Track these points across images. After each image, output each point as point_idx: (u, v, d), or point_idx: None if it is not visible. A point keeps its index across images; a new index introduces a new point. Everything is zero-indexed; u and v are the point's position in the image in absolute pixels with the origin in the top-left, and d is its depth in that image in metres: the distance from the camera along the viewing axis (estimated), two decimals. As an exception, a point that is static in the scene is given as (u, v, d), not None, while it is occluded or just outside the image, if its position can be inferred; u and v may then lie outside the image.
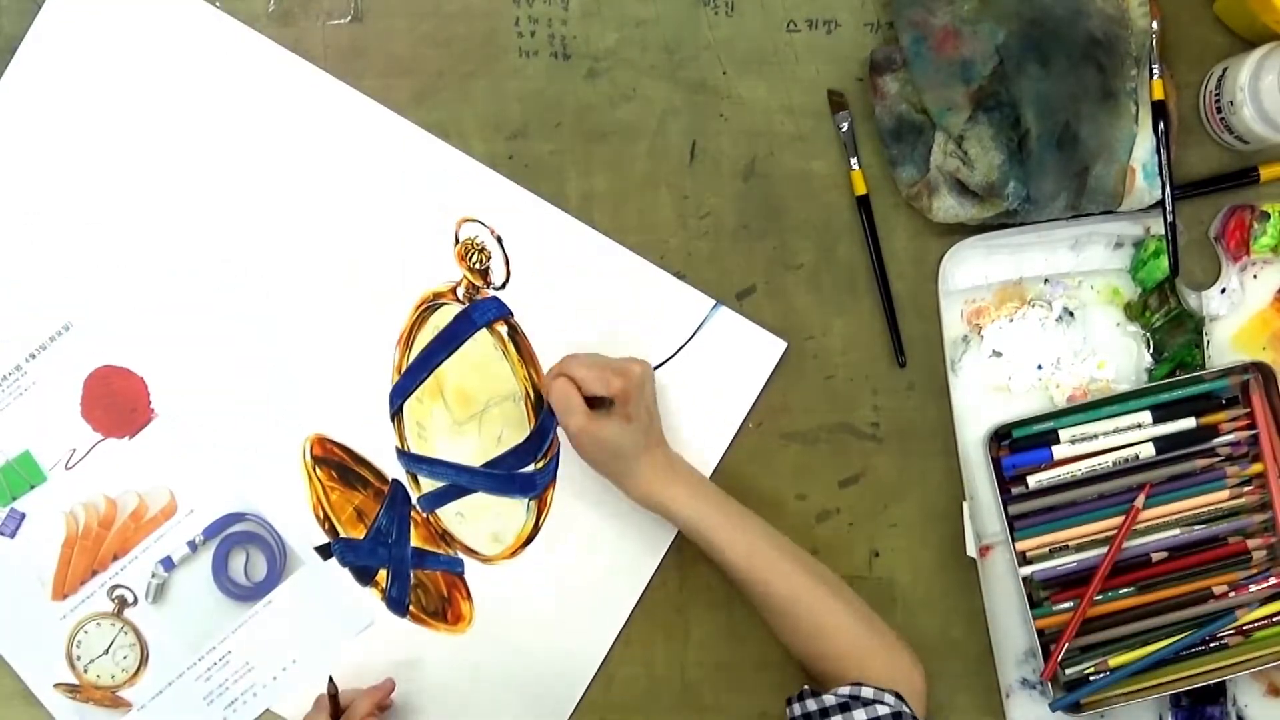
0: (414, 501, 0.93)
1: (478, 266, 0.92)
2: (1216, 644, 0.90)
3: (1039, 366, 0.93)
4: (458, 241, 0.92)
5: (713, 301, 0.93)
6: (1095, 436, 0.90)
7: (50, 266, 0.92)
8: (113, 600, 0.92)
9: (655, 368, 0.91)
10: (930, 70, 0.89)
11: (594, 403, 0.86)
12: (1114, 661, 0.90)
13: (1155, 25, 0.88)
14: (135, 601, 0.92)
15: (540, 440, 0.93)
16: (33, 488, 0.92)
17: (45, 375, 0.92)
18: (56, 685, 0.92)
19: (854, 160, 0.93)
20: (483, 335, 0.92)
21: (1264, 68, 0.86)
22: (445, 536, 0.93)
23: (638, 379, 0.86)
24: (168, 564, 0.92)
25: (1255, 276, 0.92)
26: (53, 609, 0.92)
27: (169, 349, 0.92)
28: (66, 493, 0.92)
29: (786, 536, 0.88)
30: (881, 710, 0.79)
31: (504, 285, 0.92)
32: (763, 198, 0.94)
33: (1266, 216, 0.92)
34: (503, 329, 0.93)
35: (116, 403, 0.92)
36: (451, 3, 0.93)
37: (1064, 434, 0.90)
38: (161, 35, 0.91)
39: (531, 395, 0.93)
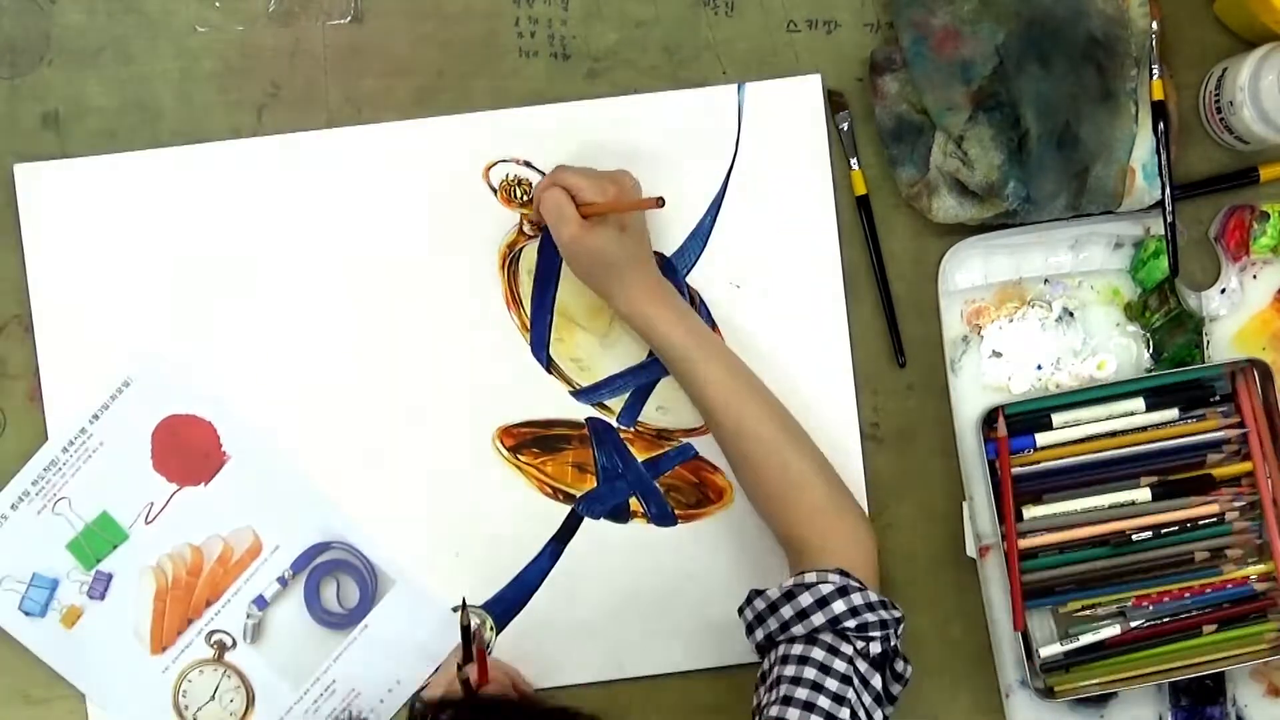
0: (615, 425, 0.93)
1: (526, 198, 0.92)
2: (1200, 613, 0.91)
3: (1039, 367, 0.93)
4: (495, 189, 0.92)
5: (735, 84, 0.92)
6: (1086, 422, 0.91)
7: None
8: (212, 646, 0.92)
9: (729, 171, 0.91)
10: (930, 70, 0.89)
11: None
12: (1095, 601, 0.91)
13: (1155, 25, 0.88)
14: (234, 644, 0.92)
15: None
16: (116, 547, 0.91)
17: (112, 434, 0.91)
18: None
19: (854, 160, 0.93)
20: None
21: (1264, 68, 0.86)
22: (662, 435, 0.93)
23: (630, 187, 0.86)
24: (261, 603, 0.92)
25: (1255, 277, 0.92)
26: (154, 663, 0.92)
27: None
28: (150, 547, 0.92)
29: (765, 384, 0.87)
30: (825, 589, 0.79)
31: None
32: (763, 198, 0.94)
33: (1266, 216, 0.92)
34: None
35: (187, 451, 0.92)
36: (451, 3, 0.93)
37: (1056, 418, 0.91)
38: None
39: None
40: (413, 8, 0.93)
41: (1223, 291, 0.92)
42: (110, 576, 0.91)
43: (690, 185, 0.92)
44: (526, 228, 0.92)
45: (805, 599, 0.79)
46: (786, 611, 0.80)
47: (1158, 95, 0.89)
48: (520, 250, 0.92)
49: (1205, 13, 0.93)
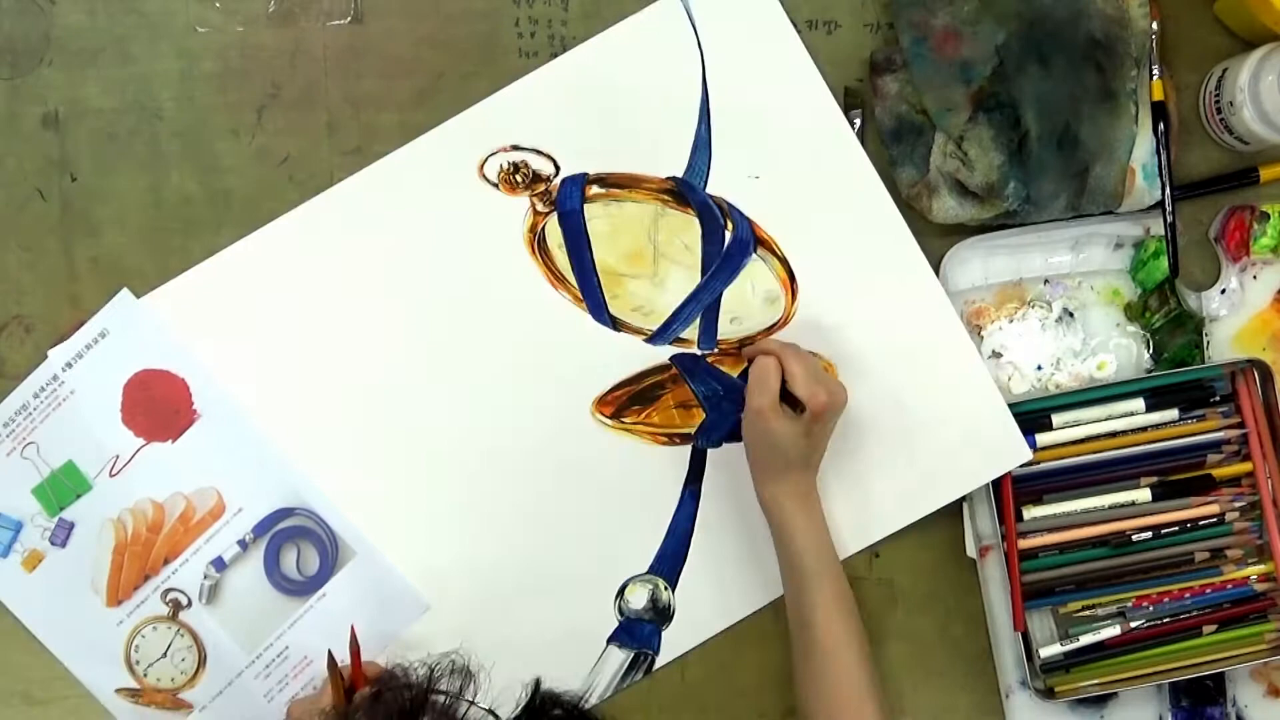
0: (699, 353, 0.92)
1: (527, 180, 0.91)
2: (1199, 614, 0.91)
3: (1039, 367, 0.93)
4: (495, 183, 0.91)
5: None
6: (1085, 423, 0.91)
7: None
8: (167, 604, 0.92)
9: (703, 76, 0.90)
10: (930, 71, 0.89)
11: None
12: (1097, 601, 0.91)
13: (1155, 26, 0.88)
14: (190, 603, 0.92)
15: (709, 212, 0.90)
16: (79, 497, 0.91)
17: (83, 383, 0.91)
18: (118, 690, 0.92)
19: (854, 161, 0.93)
20: (590, 209, 0.91)
21: (1264, 68, 0.86)
22: (744, 344, 0.92)
23: (839, 405, 0.86)
24: (219, 564, 0.92)
25: (1255, 277, 0.92)
26: (109, 615, 0.92)
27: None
28: (113, 500, 0.91)
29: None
30: None
31: (558, 169, 0.91)
32: (763, 198, 0.94)
33: (1266, 217, 0.92)
34: (595, 189, 0.91)
35: (157, 407, 0.91)
36: (451, 3, 0.93)
37: (1056, 418, 0.91)
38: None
39: (668, 197, 0.91)
40: (413, 8, 0.93)
41: (1223, 292, 0.92)
42: (72, 525, 0.91)
43: (674, 103, 0.91)
44: (539, 205, 0.91)
45: None
46: None
47: (1158, 95, 0.89)
48: (544, 228, 0.91)
49: (1205, 13, 0.93)
